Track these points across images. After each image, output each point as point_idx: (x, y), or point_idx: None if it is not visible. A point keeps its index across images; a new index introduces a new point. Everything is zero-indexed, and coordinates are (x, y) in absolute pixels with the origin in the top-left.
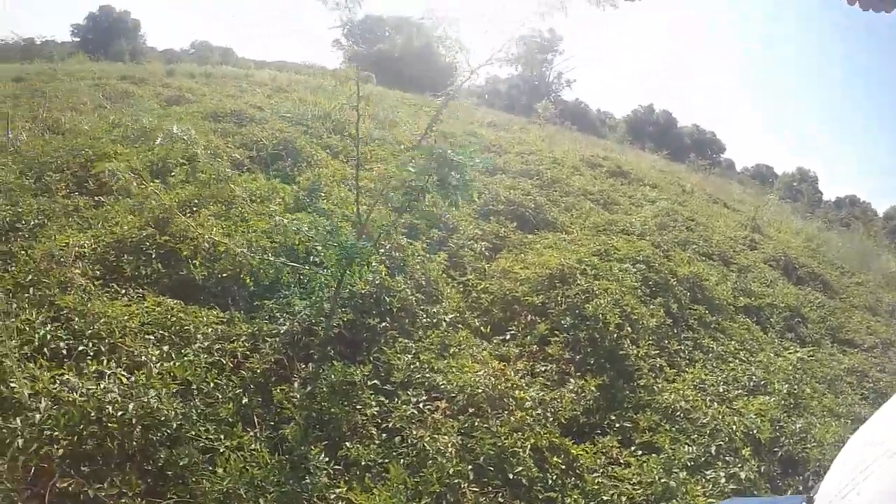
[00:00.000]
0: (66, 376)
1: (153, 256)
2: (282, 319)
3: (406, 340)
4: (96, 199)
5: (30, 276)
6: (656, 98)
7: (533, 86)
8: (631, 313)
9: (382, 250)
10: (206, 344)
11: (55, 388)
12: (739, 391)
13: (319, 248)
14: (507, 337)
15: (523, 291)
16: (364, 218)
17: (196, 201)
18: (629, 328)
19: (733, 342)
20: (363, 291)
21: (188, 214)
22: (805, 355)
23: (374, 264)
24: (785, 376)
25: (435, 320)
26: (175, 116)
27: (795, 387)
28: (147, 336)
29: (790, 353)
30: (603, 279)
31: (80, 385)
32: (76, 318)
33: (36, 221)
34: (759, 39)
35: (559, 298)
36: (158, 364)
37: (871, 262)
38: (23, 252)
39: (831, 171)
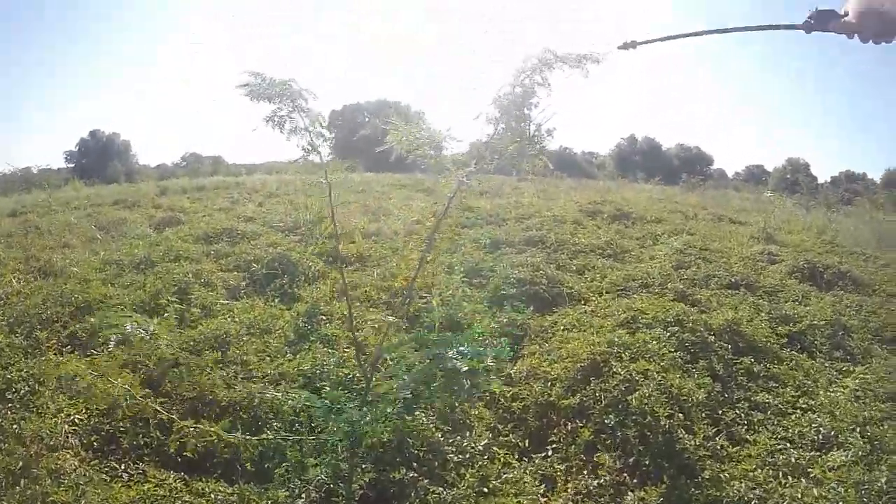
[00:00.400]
0: None
1: (150, 423)
2: (296, 489)
3: (438, 488)
4: (88, 354)
5: (20, 464)
6: (637, 127)
7: (515, 143)
8: (679, 394)
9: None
10: None
11: None
12: (812, 451)
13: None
14: (549, 451)
15: (557, 393)
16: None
17: (192, 344)
18: (679, 413)
19: (788, 389)
20: (383, 440)
21: (189, 358)
22: (861, 376)
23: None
24: (851, 416)
25: (467, 455)
26: (166, 244)
27: (866, 427)
28: None
29: (848, 379)
30: (640, 359)
31: None
32: None
33: (27, 388)
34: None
35: (597, 394)
36: None
37: (888, 238)
38: (14, 427)
39: (820, 152)
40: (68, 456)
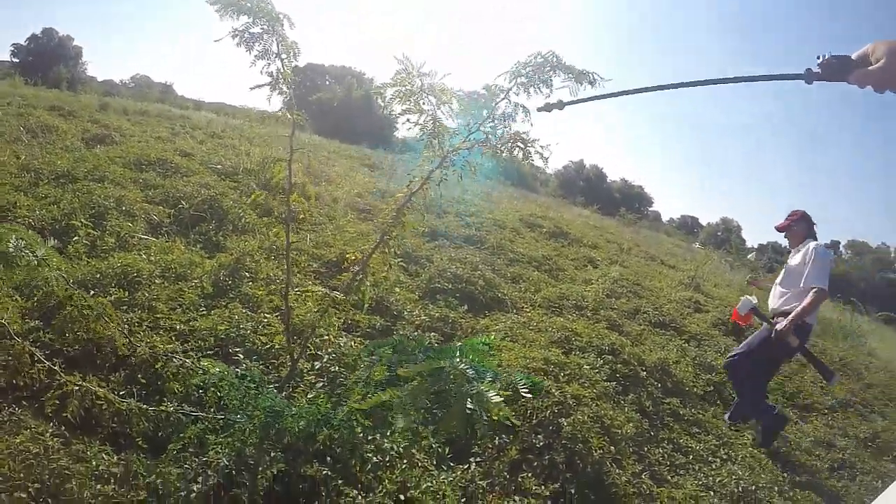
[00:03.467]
0: None
1: (32, 361)
2: (192, 470)
3: (353, 491)
4: None
5: None
6: (587, 153)
7: (420, 138)
8: (610, 425)
9: (318, 364)
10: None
11: None
12: (731, 502)
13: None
14: (472, 464)
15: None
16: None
17: (97, 277)
18: (609, 444)
19: (710, 437)
20: (296, 429)
21: (85, 298)
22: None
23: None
24: (771, 473)
25: (387, 457)
26: (94, 161)
27: (784, 487)
28: (18, 493)
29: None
30: (574, 382)
31: None
32: None
33: None
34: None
35: (528, 412)
36: None
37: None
38: None
39: (751, 220)
40: None
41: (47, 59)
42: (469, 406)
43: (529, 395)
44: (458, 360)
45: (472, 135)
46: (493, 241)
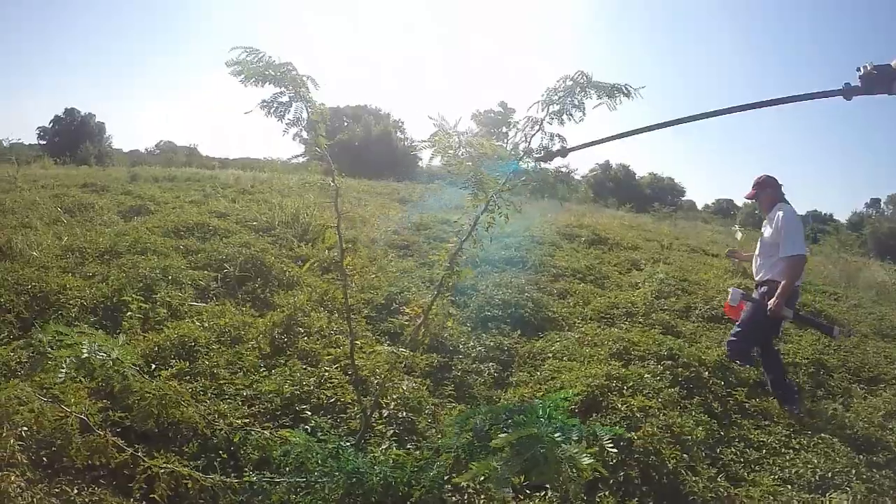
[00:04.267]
0: None
1: (108, 441)
2: None
3: None
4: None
5: None
6: (612, 153)
7: (465, 182)
8: (680, 432)
9: (386, 412)
10: None
11: None
12: (811, 493)
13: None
14: (548, 490)
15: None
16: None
17: (156, 351)
18: (682, 452)
19: (780, 426)
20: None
21: (147, 375)
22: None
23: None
24: (846, 457)
25: (465, 495)
26: (134, 233)
27: (862, 469)
28: None
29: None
30: (638, 394)
31: None
32: None
33: None
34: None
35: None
36: None
37: (856, 278)
38: None
39: (789, 191)
40: (13, 476)
41: (73, 137)
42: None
43: (615, 451)
44: (545, 423)
45: (513, 174)
46: (534, 259)
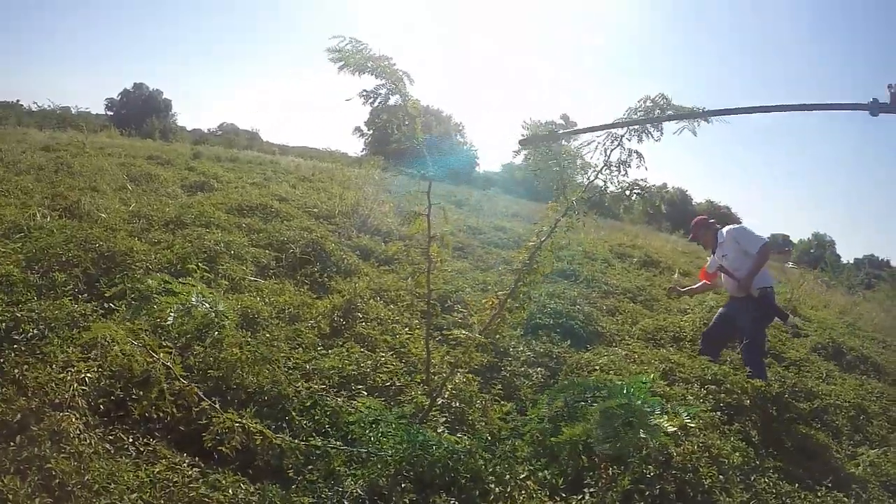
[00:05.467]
0: None
1: (167, 396)
2: (327, 499)
3: None
4: (106, 305)
5: (18, 417)
6: (669, 175)
7: (549, 185)
8: (718, 454)
9: (441, 399)
10: None
11: None
12: None
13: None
14: (586, 495)
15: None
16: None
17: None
18: (717, 473)
19: (817, 463)
20: (427, 459)
21: (209, 339)
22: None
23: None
24: (878, 500)
25: (508, 488)
26: (199, 207)
27: None
28: None
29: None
30: (681, 414)
31: None
32: (71, 489)
33: (36, 331)
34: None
35: (640, 443)
36: None
37: None
38: (16, 372)
39: (845, 234)
40: (73, 418)
41: (139, 111)
42: (642, 435)
43: (693, 425)
44: (633, 397)
45: (592, 183)
46: (586, 274)
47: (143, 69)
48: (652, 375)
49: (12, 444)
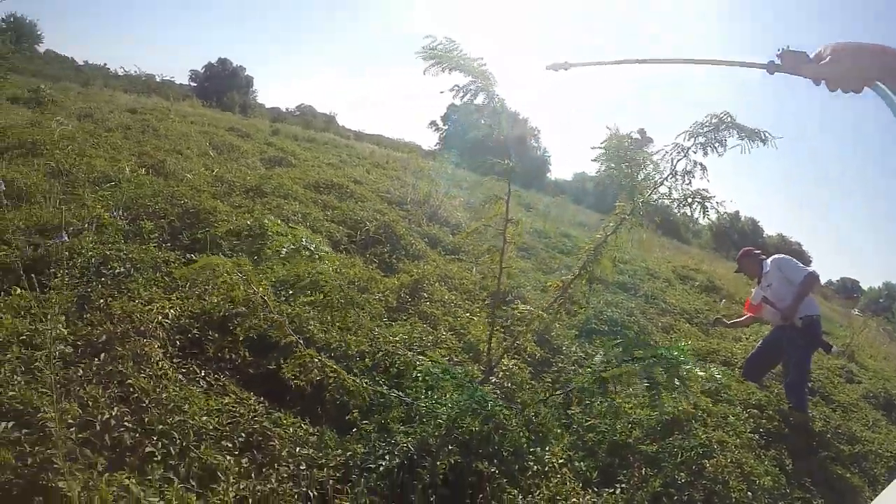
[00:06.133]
0: (127, 481)
1: (240, 339)
2: (379, 449)
3: (514, 490)
4: (188, 256)
5: (104, 338)
6: (742, 204)
7: (620, 184)
8: (750, 473)
9: (494, 379)
10: (291, 466)
11: (112, 492)
12: None
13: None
14: (617, 490)
15: (636, 436)
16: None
17: (292, 281)
18: (747, 490)
19: (845, 501)
20: (474, 429)
21: (283, 298)
22: None
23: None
24: None
25: (546, 468)
26: (278, 179)
27: None
28: (225, 442)
29: None
30: (719, 429)
31: (142, 495)
32: (146, 405)
33: (122, 269)
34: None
35: (674, 450)
36: (235, 484)
37: None
38: (101, 301)
39: None
40: (155, 345)
41: (222, 85)
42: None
43: (722, 380)
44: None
45: (657, 188)
46: (646, 290)
47: (228, 45)
48: (686, 344)
49: (97, 359)
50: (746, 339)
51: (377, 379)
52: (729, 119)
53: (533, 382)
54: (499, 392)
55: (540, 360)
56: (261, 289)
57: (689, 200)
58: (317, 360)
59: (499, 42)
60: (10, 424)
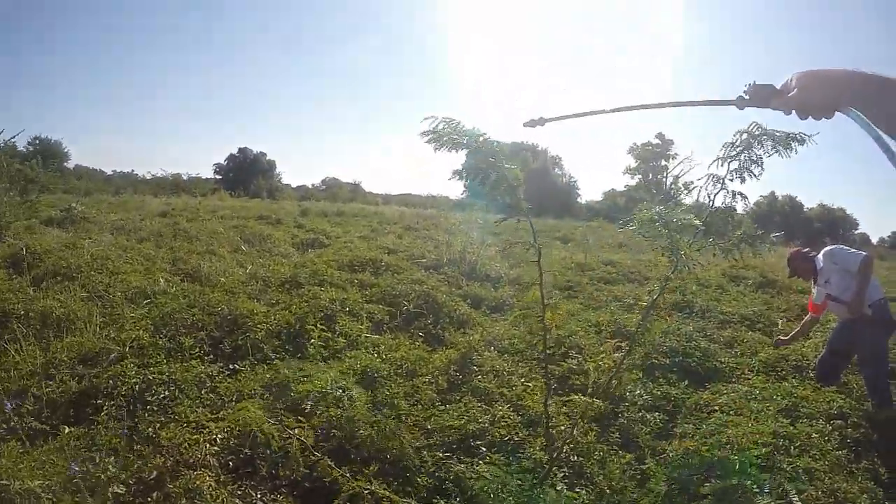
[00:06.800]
0: None
1: (290, 453)
2: None
3: None
4: (231, 366)
5: (154, 474)
6: (777, 183)
7: (651, 194)
8: (844, 498)
9: (556, 454)
10: None
11: None
12: None
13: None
14: None
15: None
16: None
17: (341, 377)
18: None
19: None
20: None
21: (331, 398)
22: None
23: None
24: None
25: None
26: (312, 266)
27: None
28: None
29: None
30: (804, 454)
31: None
32: None
33: (167, 393)
34: None
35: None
36: None
37: None
38: (150, 431)
39: None
40: (206, 476)
41: (246, 173)
42: None
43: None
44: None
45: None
46: (700, 304)
47: (246, 134)
48: (759, 451)
49: (150, 499)
50: (813, 336)
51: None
52: (758, 130)
53: (602, 445)
54: (566, 468)
55: (605, 414)
56: (297, 431)
57: (738, 245)
58: (366, 490)
59: (500, 42)
60: None
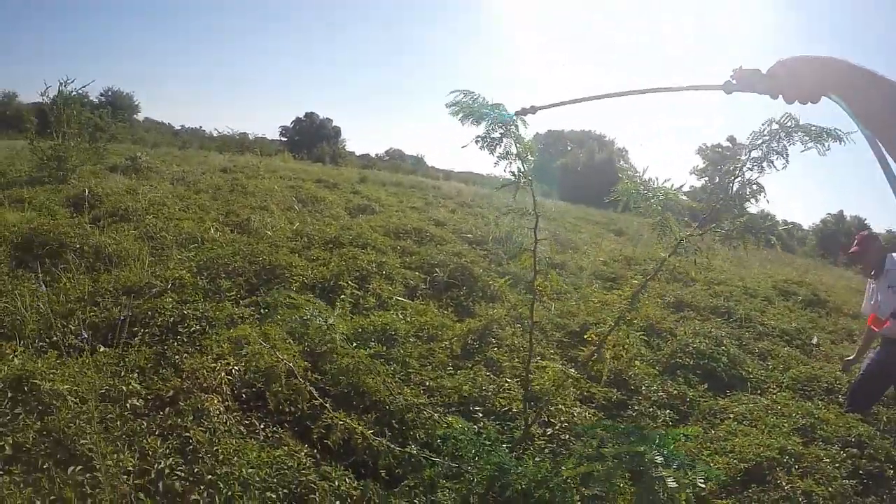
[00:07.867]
0: None
1: (297, 390)
2: None
3: None
4: (262, 311)
5: (170, 393)
6: (846, 202)
7: (717, 199)
8: None
9: (550, 431)
10: None
11: None
12: None
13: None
14: None
15: (711, 488)
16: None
17: (360, 332)
18: None
19: None
20: (518, 487)
21: (355, 355)
22: None
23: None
24: None
25: None
26: (358, 229)
27: None
28: (269, 494)
29: None
30: (808, 476)
31: None
32: (201, 456)
33: (198, 327)
34: None
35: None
36: None
37: None
38: (175, 357)
39: None
40: (216, 400)
41: (311, 137)
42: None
43: (704, 486)
44: (655, 447)
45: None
46: (741, 312)
47: (316, 100)
48: (694, 429)
49: (161, 413)
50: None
51: (409, 435)
52: (791, 122)
53: (601, 431)
54: (555, 444)
55: (616, 404)
56: (286, 356)
57: (742, 234)
58: (340, 422)
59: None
60: (78, 468)
